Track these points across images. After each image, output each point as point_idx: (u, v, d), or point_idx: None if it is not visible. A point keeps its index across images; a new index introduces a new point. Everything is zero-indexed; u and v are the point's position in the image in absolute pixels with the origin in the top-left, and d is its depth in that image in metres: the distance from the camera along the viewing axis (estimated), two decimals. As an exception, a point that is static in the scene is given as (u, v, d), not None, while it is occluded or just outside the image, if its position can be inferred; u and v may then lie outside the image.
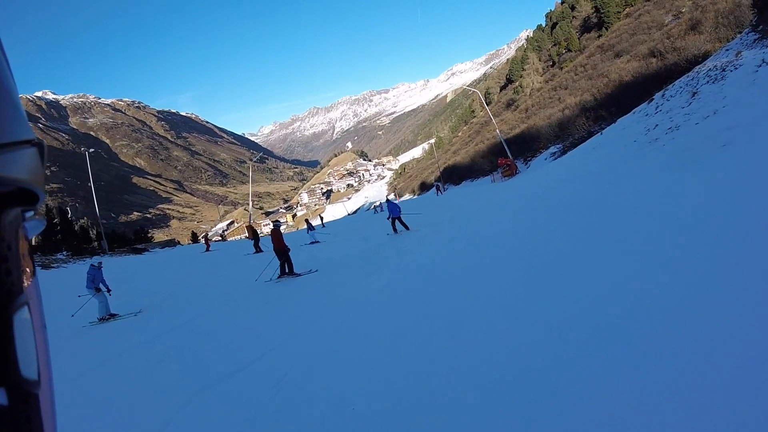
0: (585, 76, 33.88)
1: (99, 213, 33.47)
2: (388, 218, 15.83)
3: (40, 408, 0.37)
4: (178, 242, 43.70)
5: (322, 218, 43.24)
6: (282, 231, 12.17)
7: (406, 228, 15.33)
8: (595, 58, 35.49)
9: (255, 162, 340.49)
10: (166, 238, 57.43)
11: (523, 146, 35.05)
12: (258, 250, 21.50)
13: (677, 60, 17.36)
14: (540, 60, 57.96)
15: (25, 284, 0.38)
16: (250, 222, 35.30)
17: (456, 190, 43.59)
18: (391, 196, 44.07)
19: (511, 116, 46.72)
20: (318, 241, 20.50)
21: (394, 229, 15.40)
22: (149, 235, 49.20)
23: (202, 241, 32.53)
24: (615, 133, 15.00)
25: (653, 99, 13.26)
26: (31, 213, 0.41)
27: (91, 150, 37.27)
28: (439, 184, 51.86)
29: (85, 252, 29.01)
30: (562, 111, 31.30)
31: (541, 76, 53.53)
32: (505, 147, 33.03)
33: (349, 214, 39.52)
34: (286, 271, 11.39)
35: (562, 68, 47.60)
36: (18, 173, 0.37)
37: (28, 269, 0.40)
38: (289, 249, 11.37)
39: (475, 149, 52.51)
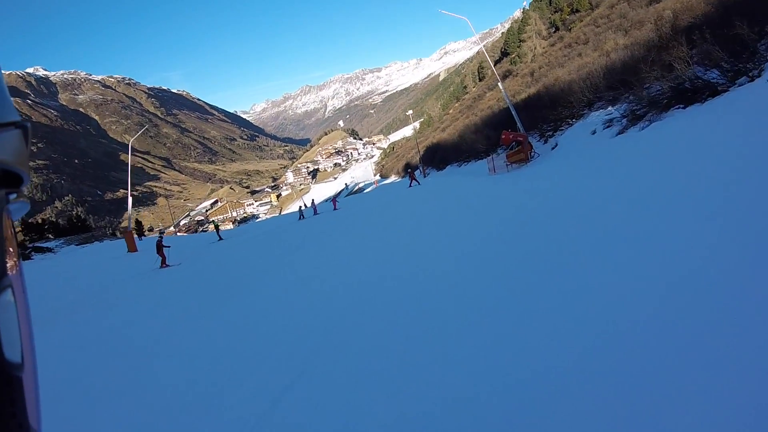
0: (612, 27, 26.56)
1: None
2: None
3: (23, 390, 0.37)
4: (113, 234, 36.74)
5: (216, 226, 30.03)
6: None
7: None
8: (621, 6, 28.40)
9: (244, 139, 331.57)
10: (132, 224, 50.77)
11: (536, 114, 23.42)
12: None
13: None
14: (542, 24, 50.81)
15: (9, 267, 0.38)
16: (129, 227, 25.13)
17: (434, 180, 33.75)
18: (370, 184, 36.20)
19: (511, 83, 39.40)
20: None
21: None
22: (87, 223, 42.46)
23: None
24: None
25: None
26: (15, 195, 0.41)
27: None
28: (418, 168, 44.15)
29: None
30: (606, 55, 20.71)
31: (545, 40, 46.42)
32: (514, 113, 22.29)
33: (302, 209, 29.63)
34: None
35: (570, 29, 40.55)
36: (1, 155, 0.37)
37: (11, 252, 0.39)
38: None
39: (464, 123, 44.22)
